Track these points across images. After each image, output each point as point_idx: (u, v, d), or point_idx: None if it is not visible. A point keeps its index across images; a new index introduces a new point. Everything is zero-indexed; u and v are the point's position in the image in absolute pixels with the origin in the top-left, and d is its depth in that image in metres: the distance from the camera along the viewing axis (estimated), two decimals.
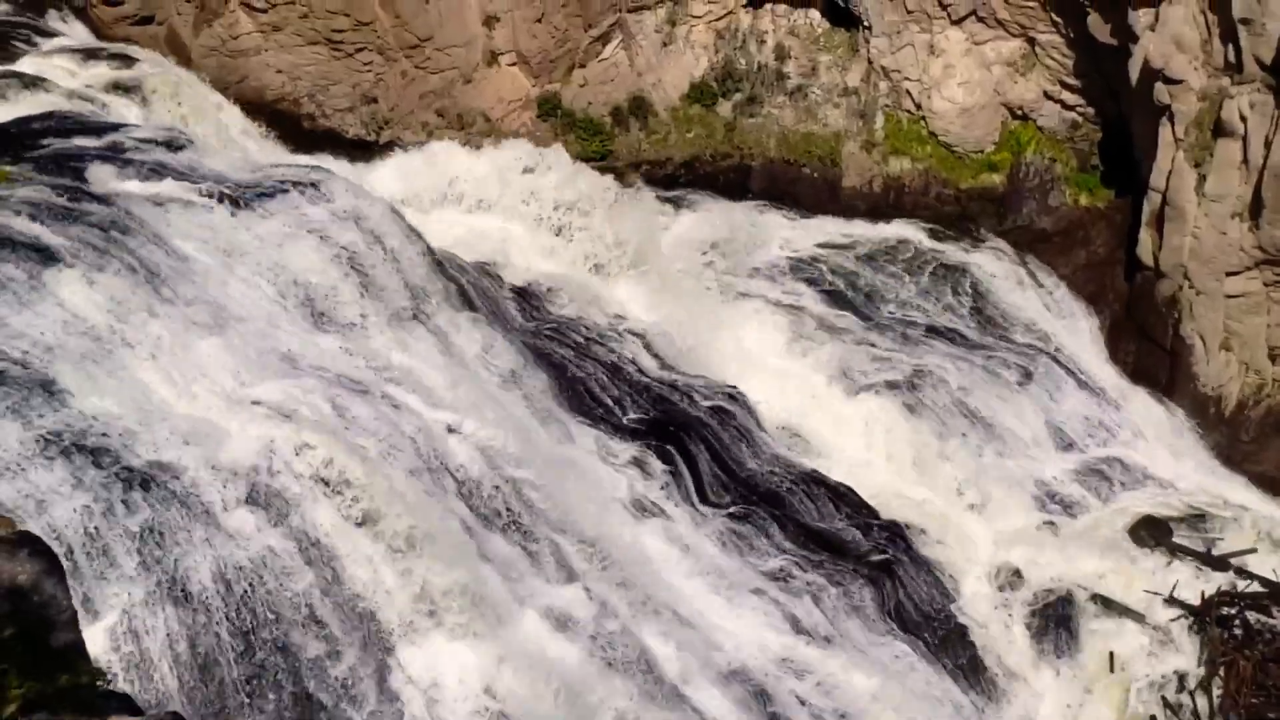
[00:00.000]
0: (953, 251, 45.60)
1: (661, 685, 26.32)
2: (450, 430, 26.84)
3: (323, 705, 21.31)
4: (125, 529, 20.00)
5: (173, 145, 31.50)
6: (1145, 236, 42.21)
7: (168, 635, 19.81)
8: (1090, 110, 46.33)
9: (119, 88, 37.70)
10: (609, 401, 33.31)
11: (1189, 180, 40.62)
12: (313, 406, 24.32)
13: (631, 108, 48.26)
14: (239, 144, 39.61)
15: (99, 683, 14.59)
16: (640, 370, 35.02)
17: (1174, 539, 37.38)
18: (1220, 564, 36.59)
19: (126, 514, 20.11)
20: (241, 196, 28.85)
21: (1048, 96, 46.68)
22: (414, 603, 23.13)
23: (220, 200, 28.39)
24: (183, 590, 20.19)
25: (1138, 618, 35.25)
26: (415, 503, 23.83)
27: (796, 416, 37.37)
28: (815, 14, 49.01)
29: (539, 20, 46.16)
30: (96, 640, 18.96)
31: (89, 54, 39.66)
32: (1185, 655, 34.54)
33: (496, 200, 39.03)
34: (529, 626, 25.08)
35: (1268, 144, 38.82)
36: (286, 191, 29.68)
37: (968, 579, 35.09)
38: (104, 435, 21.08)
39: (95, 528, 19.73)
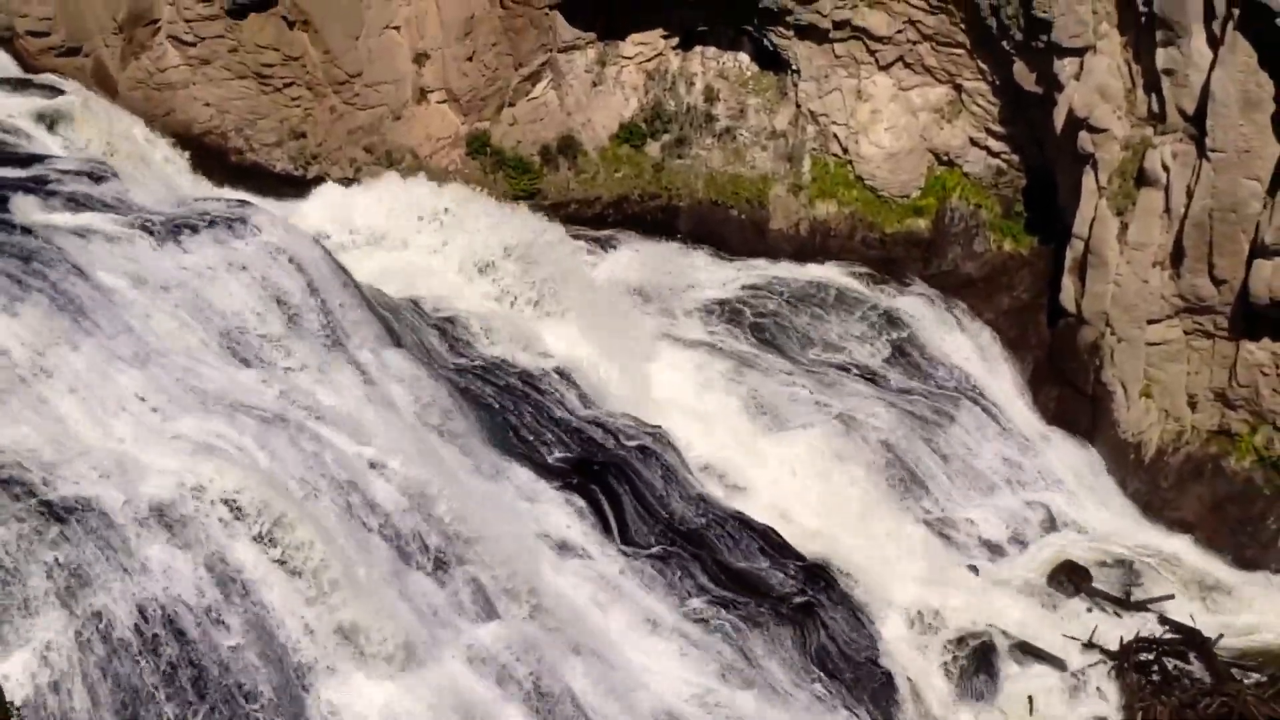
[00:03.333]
0: (878, 295, 45.79)
1: None
2: (373, 466, 26.70)
3: None
4: (41, 563, 19.78)
5: (97, 177, 31.27)
6: (1068, 283, 42.60)
7: (84, 671, 19.60)
8: (1015, 157, 46.71)
9: (44, 119, 37.34)
10: (533, 440, 33.24)
11: (1111, 228, 41.06)
12: (234, 441, 24.14)
13: (560, 147, 48.30)
14: (165, 177, 39.34)
15: (13, 719, 14.43)
16: (565, 409, 34.97)
17: (1093, 584, 37.69)
18: (1139, 609, 36.90)
19: (43, 548, 19.88)
20: (166, 229, 28.66)
21: (973, 143, 47.05)
22: (333, 640, 22.99)
23: (144, 233, 28.21)
24: (99, 625, 19.99)
25: (1057, 663, 35.46)
26: (336, 539, 23.69)
27: (720, 457, 37.37)
28: (744, 57, 49.22)
29: (469, 59, 46.16)
30: (11, 676, 18.75)
31: (14, 85, 39.23)
32: (1103, 701, 34.77)
33: (413, 238, 38.88)
34: (449, 666, 24.95)
35: (1189, 193, 39.32)
36: (211, 225, 29.47)
37: (889, 622, 35.11)
38: (21, 468, 20.85)
39: (11, 562, 19.51)
